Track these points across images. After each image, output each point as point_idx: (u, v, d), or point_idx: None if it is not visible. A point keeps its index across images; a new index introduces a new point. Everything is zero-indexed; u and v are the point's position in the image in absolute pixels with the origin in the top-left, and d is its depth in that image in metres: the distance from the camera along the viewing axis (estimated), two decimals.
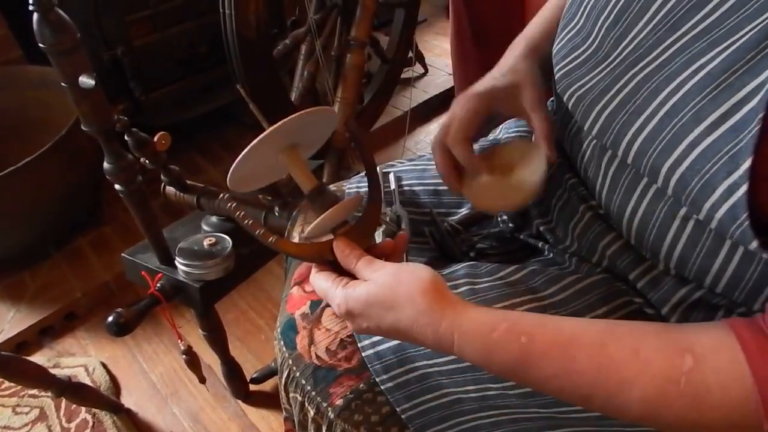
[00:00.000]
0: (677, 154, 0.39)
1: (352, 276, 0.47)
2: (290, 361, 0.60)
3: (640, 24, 0.45)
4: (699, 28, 0.40)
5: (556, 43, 0.55)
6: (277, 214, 0.82)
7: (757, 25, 0.36)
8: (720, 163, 0.37)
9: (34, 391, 1.25)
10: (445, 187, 0.68)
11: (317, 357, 0.58)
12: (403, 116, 1.85)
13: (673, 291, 0.49)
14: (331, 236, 0.49)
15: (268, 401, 1.21)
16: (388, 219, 0.67)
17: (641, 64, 0.44)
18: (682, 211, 0.44)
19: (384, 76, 1.37)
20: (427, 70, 2.13)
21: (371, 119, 1.40)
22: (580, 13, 0.52)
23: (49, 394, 1.05)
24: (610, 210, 0.52)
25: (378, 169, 0.74)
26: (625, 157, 0.45)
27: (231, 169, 0.46)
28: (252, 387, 1.22)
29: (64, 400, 1.21)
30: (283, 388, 0.63)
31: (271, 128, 0.44)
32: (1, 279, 1.45)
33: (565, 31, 0.54)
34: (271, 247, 0.46)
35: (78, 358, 1.33)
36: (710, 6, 0.40)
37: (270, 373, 1.21)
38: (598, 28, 0.49)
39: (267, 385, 1.23)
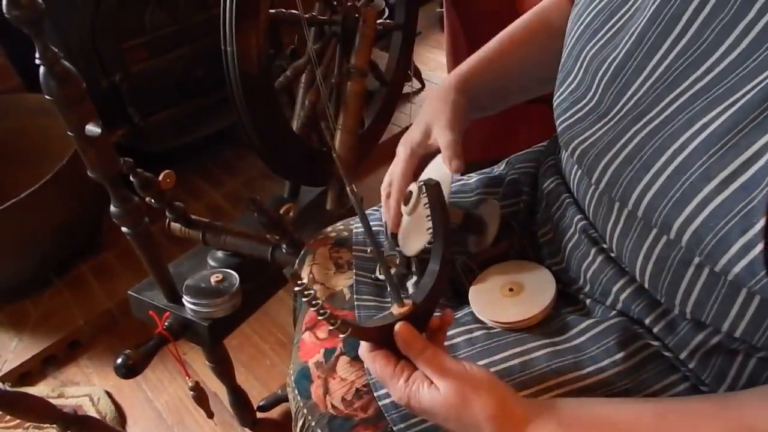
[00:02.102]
0: (689, 212, 0.39)
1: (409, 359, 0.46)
2: (305, 410, 0.60)
3: (639, 80, 0.45)
4: (698, 86, 0.40)
5: (555, 96, 0.56)
6: (284, 250, 0.82)
7: (758, 84, 0.37)
8: (734, 221, 0.37)
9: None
10: (454, 224, 0.68)
11: (333, 406, 0.58)
12: (401, 134, 1.85)
13: (690, 336, 0.49)
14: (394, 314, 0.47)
15: (276, 429, 1.21)
16: (398, 261, 0.67)
17: (643, 121, 0.44)
18: (697, 259, 0.44)
19: (384, 98, 1.37)
20: (423, 85, 2.13)
21: (372, 142, 1.40)
22: (578, 67, 0.52)
23: (54, 426, 1.05)
24: (623, 254, 0.52)
25: (382, 211, 0.74)
26: (635, 210, 0.45)
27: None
28: (259, 414, 1.21)
29: None
30: None
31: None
32: (3, 307, 1.45)
33: (565, 84, 0.54)
34: (337, 330, 0.44)
35: (82, 387, 1.33)
36: (708, 64, 0.40)
37: (277, 401, 1.21)
38: (597, 82, 0.49)
39: (274, 413, 1.23)
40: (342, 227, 0.77)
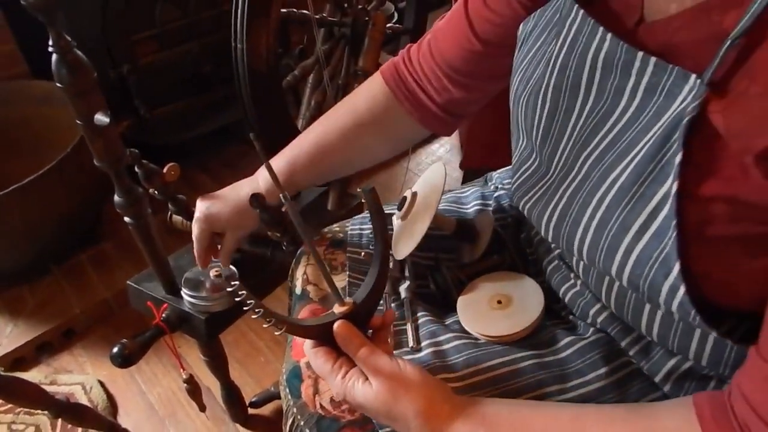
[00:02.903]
0: (618, 261, 0.41)
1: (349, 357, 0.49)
2: (294, 409, 0.60)
3: (564, 141, 0.47)
4: (605, 141, 0.43)
5: (513, 159, 0.58)
6: (284, 248, 0.83)
7: (650, 138, 0.39)
8: (655, 267, 0.39)
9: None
10: (447, 232, 0.69)
11: (321, 407, 0.59)
12: None
13: (663, 361, 0.50)
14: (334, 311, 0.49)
15: (267, 426, 1.21)
16: (391, 264, 0.67)
17: (569, 179, 0.47)
18: None
19: None
20: None
21: None
22: (520, 132, 0.55)
23: (46, 412, 1.05)
24: (590, 284, 0.54)
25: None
26: (579, 258, 0.47)
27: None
28: (251, 411, 1.22)
29: (60, 419, 1.20)
30: None
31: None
32: (1, 293, 1.45)
33: (517, 148, 0.57)
34: (274, 327, 0.46)
35: (75, 375, 1.33)
36: (611, 121, 0.43)
37: (269, 398, 1.21)
38: (534, 145, 0.52)
39: (266, 410, 1.23)
40: (338, 229, 0.78)
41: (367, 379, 0.47)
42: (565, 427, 0.43)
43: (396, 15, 2.06)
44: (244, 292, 0.43)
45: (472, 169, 1.41)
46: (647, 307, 0.47)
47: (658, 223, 0.38)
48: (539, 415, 0.45)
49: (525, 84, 0.52)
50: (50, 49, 0.63)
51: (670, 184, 0.37)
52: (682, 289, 0.38)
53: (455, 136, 1.98)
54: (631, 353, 0.53)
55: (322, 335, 0.49)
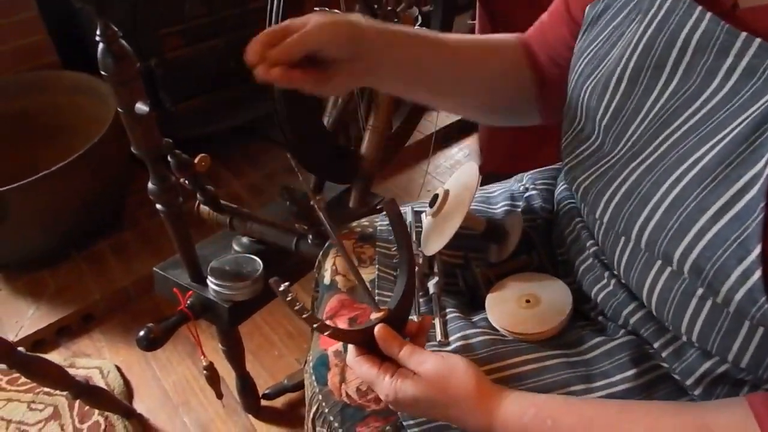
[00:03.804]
0: (687, 242, 0.41)
1: (392, 359, 0.50)
2: (320, 397, 0.61)
3: (637, 121, 0.48)
4: (689, 123, 0.43)
5: (563, 140, 0.59)
6: (310, 242, 0.85)
7: (743, 121, 0.39)
8: (730, 250, 0.39)
9: (50, 389, 1.28)
10: (476, 232, 0.70)
11: (347, 395, 0.59)
12: (424, 139, 1.88)
13: (697, 363, 0.49)
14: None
15: (279, 418, 1.22)
16: (420, 261, 0.68)
17: (640, 158, 0.47)
18: (700, 291, 0.45)
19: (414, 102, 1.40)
20: None
21: (399, 144, 1.42)
22: (579, 115, 0.56)
23: (65, 393, 1.07)
24: (629, 282, 0.53)
25: (408, 209, 0.76)
26: (637, 243, 0.47)
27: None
28: (263, 402, 1.23)
29: (78, 401, 1.23)
30: (310, 421, 0.64)
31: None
32: (23, 276, 1.48)
33: (570, 129, 0.57)
34: (317, 330, 0.49)
35: (93, 359, 1.36)
36: (697, 104, 0.43)
37: (282, 390, 1.23)
38: (598, 127, 0.52)
39: (278, 402, 1.24)
40: (367, 223, 0.79)
41: (414, 374, 0.48)
42: (612, 416, 0.44)
43: (420, 18, 2.09)
44: (296, 300, 0.46)
45: (493, 174, 1.42)
46: (693, 302, 0.46)
47: (742, 205, 0.38)
48: (587, 403, 0.47)
49: (595, 65, 0.53)
50: (97, 38, 0.65)
51: (762, 167, 0.37)
52: (757, 274, 0.37)
53: (474, 140, 1.99)
54: (663, 354, 0.52)
55: (363, 341, 0.51)
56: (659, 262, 0.47)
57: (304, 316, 0.47)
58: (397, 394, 0.48)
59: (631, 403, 0.46)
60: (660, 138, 0.45)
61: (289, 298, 0.46)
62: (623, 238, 0.51)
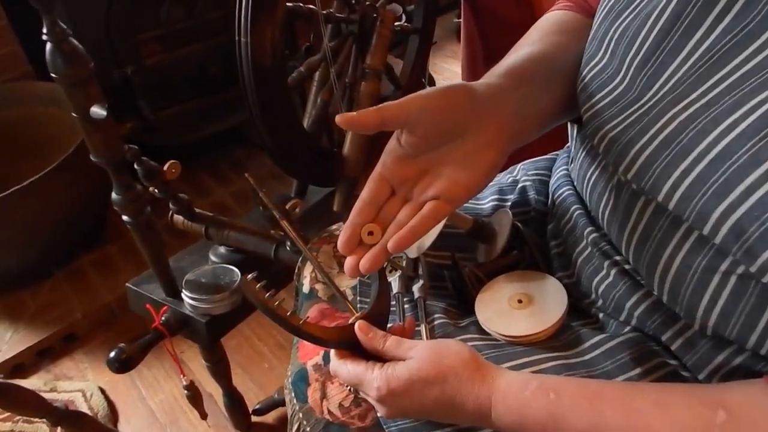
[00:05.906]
0: (732, 199, 0.37)
1: (378, 359, 0.48)
2: (300, 415, 0.57)
3: (677, 61, 0.43)
4: (747, 66, 0.38)
5: (579, 82, 0.53)
6: (288, 248, 0.80)
7: None
8: None
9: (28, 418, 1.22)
10: (462, 230, 0.65)
11: (329, 412, 0.55)
12: None
13: (710, 355, 0.46)
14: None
15: None
16: (404, 263, 0.64)
17: (683, 104, 0.41)
18: (724, 265, 0.41)
19: None
20: None
21: (382, 144, 1.38)
22: (603, 51, 0.50)
23: (45, 420, 1.02)
24: (640, 264, 0.49)
25: None
26: (666, 202, 0.42)
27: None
28: (254, 418, 1.18)
29: (58, 428, 1.18)
30: None
31: None
32: (1, 298, 1.43)
33: (588, 68, 0.51)
34: (298, 330, 0.48)
35: (76, 382, 1.30)
36: (759, 42, 0.38)
37: (273, 405, 1.18)
38: (626, 67, 0.47)
39: (269, 417, 1.20)
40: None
41: (404, 359, 0.46)
42: (621, 387, 0.43)
43: (404, 17, 2.05)
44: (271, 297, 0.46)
45: None
46: (716, 278, 0.42)
47: None
48: (592, 380, 0.46)
49: None
50: (44, 37, 0.60)
51: None
52: None
53: None
54: (673, 348, 0.49)
55: (344, 343, 0.49)
56: (680, 232, 0.43)
57: (282, 315, 0.46)
58: (389, 383, 0.45)
59: (643, 383, 0.44)
60: (710, 82, 0.40)
61: (267, 295, 0.46)
62: (642, 200, 0.47)
